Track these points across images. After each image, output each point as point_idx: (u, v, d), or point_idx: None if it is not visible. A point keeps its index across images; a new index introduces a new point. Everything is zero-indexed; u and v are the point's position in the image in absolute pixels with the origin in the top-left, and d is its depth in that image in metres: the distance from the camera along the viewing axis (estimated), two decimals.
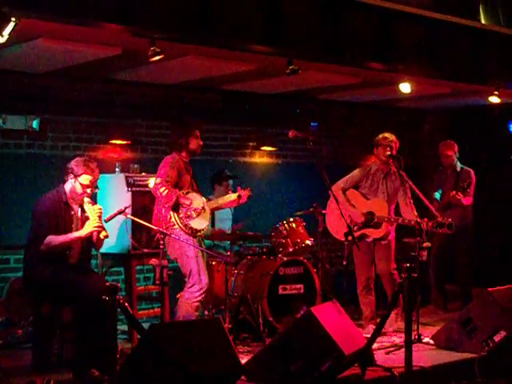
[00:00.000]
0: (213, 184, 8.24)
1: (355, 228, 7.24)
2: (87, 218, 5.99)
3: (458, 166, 8.73)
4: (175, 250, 6.62)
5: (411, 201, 7.30)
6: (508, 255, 9.77)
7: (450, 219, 6.91)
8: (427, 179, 8.85)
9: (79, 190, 6.02)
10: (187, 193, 6.69)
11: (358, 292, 7.52)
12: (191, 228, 6.59)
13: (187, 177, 6.79)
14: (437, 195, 8.62)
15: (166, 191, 6.50)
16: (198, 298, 6.58)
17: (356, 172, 7.62)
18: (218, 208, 7.31)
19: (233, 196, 7.23)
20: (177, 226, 6.56)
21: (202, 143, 6.91)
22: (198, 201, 6.71)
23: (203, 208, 6.71)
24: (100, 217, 5.96)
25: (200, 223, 6.68)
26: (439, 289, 8.84)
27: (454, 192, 8.25)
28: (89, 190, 6.05)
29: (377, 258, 7.43)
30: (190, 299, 6.56)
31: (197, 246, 6.60)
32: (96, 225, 5.89)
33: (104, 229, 5.95)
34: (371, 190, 7.48)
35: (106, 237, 5.99)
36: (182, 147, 6.80)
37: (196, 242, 6.64)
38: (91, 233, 5.94)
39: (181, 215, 6.58)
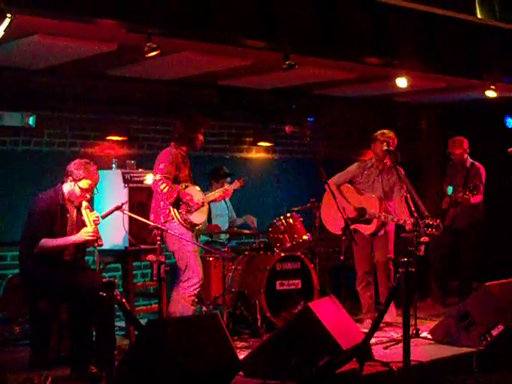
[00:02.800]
0: (210, 180, 8.24)
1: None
2: (83, 222, 5.94)
3: (469, 161, 8.68)
4: (173, 243, 6.63)
5: (406, 198, 7.17)
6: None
7: (438, 220, 6.84)
8: (425, 175, 8.81)
9: (78, 193, 5.96)
10: (186, 187, 6.69)
11: (357, 286, 7.56)
12: (190, 222, 6.61)
13: (185, 170, 6.82)
14: (449, 190, 8.50)
15: (167, 188, 6.51)
16: (194, 292, 6.60)
17: (352, 167, 7.66)
18: (214, 201, 7.31)
19: (228, 188, 7.24)
20: (175, 220, 6.57)
21: (203, 141, 6.98)
22: (197, 196, 6.73)
23: (203, 203, 6.73)
24: (97, 225, 5.89)
25: (198, 217, 6.71)
26: (439, 284, 8.83)
27: (461, 194, 8.18)
28: (88, 195, 6.01)
29: (374, 248, 7.55)
30: (186, 294, 6.58)
31: (194, 241, 6.61)
32: (92, 234, 5.82)
33: (100, 238, 5.86)
34: (367, 185, 7.53)
35: (101, 245, 5.89)
36: (187, 141, 6.81)
37: (193, 237, 6.65)
38: (86, 240, 5.88)
39: (180, 210, 6.60)
